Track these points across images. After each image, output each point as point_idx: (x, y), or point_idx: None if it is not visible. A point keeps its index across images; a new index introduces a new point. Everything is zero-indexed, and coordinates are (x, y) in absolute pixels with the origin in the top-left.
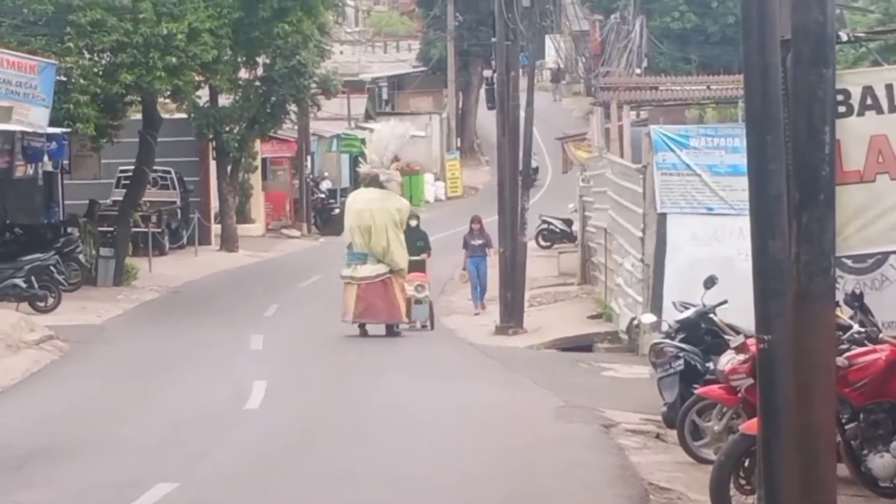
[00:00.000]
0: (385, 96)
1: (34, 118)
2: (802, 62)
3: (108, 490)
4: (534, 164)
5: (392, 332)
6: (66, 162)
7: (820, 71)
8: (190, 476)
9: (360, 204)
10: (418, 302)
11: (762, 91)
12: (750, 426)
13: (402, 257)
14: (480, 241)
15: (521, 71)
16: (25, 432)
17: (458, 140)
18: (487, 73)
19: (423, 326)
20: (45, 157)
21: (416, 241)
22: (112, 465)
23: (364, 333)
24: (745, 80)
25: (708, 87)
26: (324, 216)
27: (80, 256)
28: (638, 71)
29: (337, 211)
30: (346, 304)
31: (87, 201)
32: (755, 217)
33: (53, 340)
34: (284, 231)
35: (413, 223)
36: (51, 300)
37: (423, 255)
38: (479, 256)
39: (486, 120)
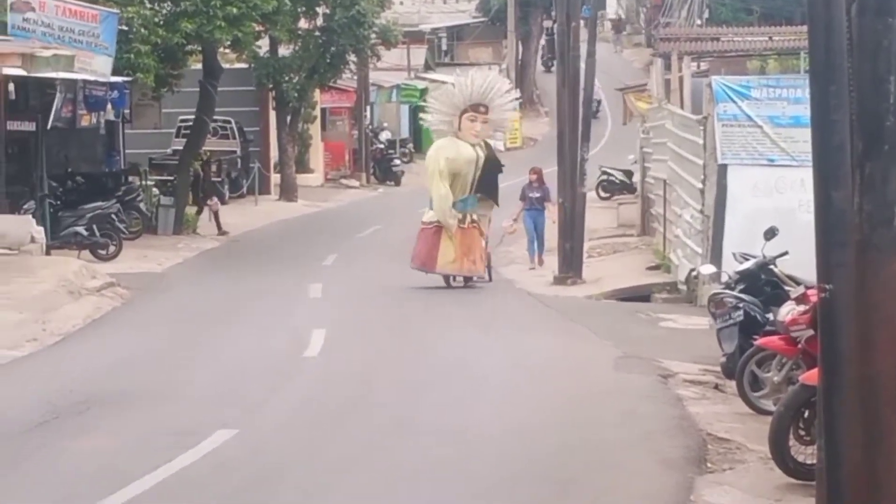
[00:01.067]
0: (444, 47)
1: (98, 66)
2: (867, 11)
3: (168, 436)
4: (597, 96)
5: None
6: (127, 111)
7: (885, 20)
8: (249, 424)
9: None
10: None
11: (826, 41)
12: (810, 377)
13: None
14: (539, 195)
15: (581, 22)
16: (86, 379)
17: (518, 91)
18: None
19: (479, 278)
20: (108, 106)
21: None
22: (171, 412)
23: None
24: (808, 30)
25: (770, 38)
26: (382, 166)
27: (141, 205)
28: (699, 22)
29: (397, 162)
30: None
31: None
32: (818, 167)
33: (114, 288)
34: (343, 181)
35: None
36: (112, 248)
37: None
38: (537, 210)
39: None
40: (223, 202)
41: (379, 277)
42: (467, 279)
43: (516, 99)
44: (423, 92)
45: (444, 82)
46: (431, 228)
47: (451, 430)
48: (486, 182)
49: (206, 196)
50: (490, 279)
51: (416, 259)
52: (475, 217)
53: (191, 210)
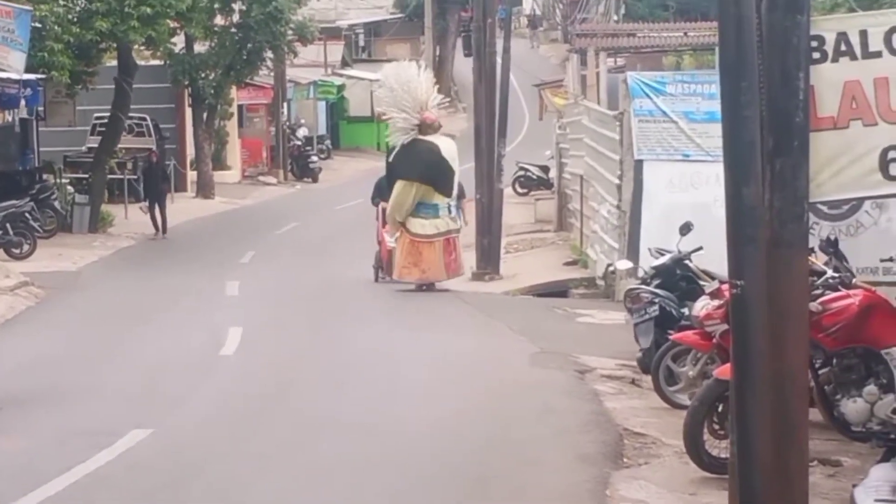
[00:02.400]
0: (362, 43)
1: (12, 62)
2: (777, 9)
3: (83, 437)
4: None
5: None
6: (41, 109)
7: (794, 17)
8: (164, 423)
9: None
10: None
11: (736, 38)
12: (723, 371)
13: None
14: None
15: (497, 19)
16: (0, 378)
17: (436, 87)
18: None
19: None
20: (22, 104)
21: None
22: (86, 412)
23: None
24: (719, 26)
25: (685, 33)
26: (300, 163)
27: (56, 203)
28: (615, 18)
29: (314, 158)
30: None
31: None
32: (729, 163)
33: (29, 287)
34: (261, 178)
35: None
36: (26, 247)
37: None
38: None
39: (463, 67)
40: (138, 200)
41: (296, 275)
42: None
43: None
44: (341, 88)
45: (361, 78)
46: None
47: (368, 428)
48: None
49: (163, 191)
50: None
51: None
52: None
53: (107, 208)
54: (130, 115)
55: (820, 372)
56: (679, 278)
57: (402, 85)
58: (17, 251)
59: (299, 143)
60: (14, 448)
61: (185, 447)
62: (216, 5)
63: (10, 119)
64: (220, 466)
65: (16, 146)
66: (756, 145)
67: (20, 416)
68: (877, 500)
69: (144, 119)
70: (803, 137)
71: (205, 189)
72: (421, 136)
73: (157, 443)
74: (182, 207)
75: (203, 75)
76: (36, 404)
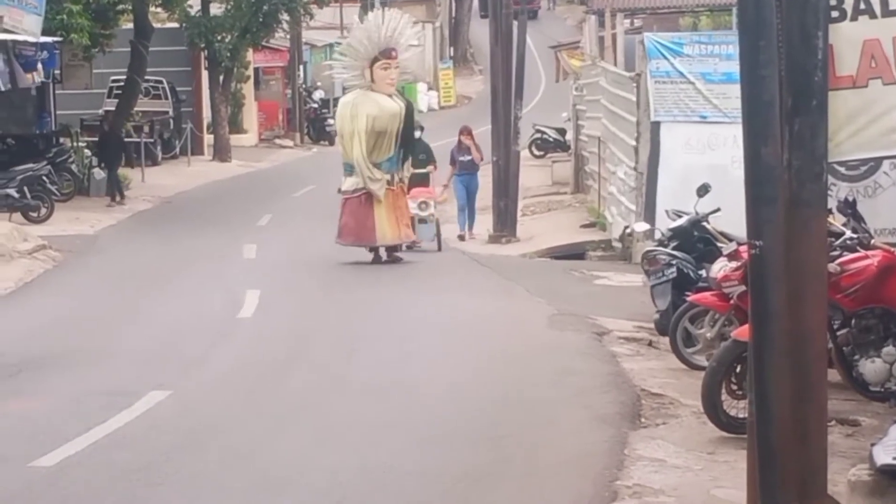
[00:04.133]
0: (377, 5)
1: (27, 25)
2: None
3: (101, 398)
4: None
5: (390, 257)
6: (57, 72)
7: None
8: (182, 384)
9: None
10: (422, 221)
11: None
12: (741, 332)
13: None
14: (469, 157)
15: None
16: (19, 341)
17: (452, 49)
18: None
19: (418, 246)
20: (39, 67)
21: (419, 153)
22: (105, 373)
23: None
24: None
25: None
26: (316, 126)
27: (73, 166)
28: None
29: (331, 121)
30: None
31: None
32: (747, 123)
33: (46, 250)
34: (277, 141)
35: (416, 134)
36: (43, 210)
37: (430, 168)
38: (469, 174)
39: (479, 29)
40: (155, 163)
41: (313, 238)
42: (391, 251)
43: (417, 35)
44: None
45: None
46: (358, 197)
47: (385, 389)
48: (406, 136)
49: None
50: (439, 248)
51: (347, 234)
52: (401, 176)
53: (124, 171)
54: (147, 77)
55: (838, 332)
56: (696, 240)
57: (357, 38)
58: (35, 215)
59: (315, 105)
60: (33, 409)
61: (203, 408)
62: None
63: (34, 81)
64: (237, 427)
65: (33, 109)
66: (775, 105)
67: (39, 378)
68: (895, 458)
69: (161, 82)
70: (822, 97)
71: (221, 152)
72: (369, 92)
73: (175, 404)
74: (199, 170)
75: (219, 38)
76: (55, 366)
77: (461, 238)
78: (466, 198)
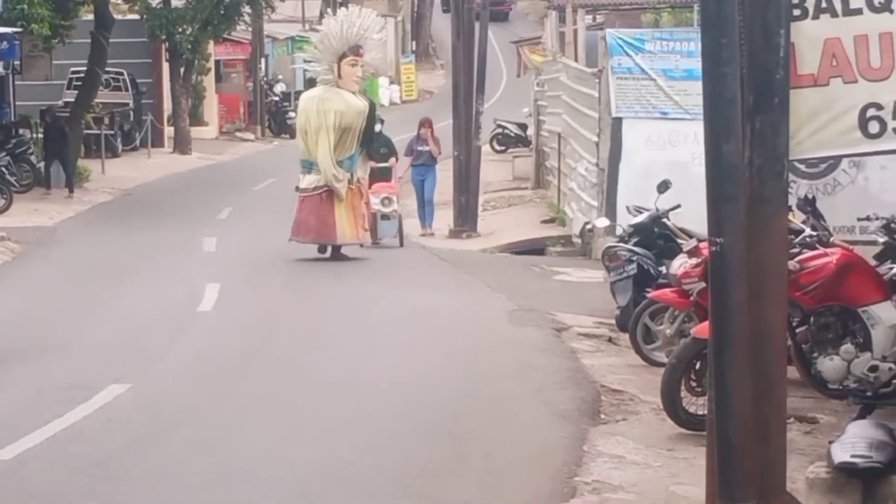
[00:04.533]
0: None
1: None
2: None
3: (59, 392)
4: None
5: (336, 254)
6: (17, 63)
7: None
8: (142, 378)
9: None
10: (385, 217)
11: None
12: (701, 329)
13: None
14: (427, 148)
15: None
16: None
17: (414, 43)
18: None
19: (377, 242)
20: None
21: (380, 147)
22: (64, 367)
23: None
24: None
25: None
26: (277, 119)
27: (32, 158)
28: None
29: (292, 114)
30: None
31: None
32: (709, 120)
33: (5, 242)
34: (238, 134)
35: (377, 127)
36: (2, 202)
37: (392, 161)
38: (426, 166)
39: (441, 23)
40: (116, 155)
41: (274, 231)
42: (335, 250)
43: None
44: None
45: None
46: (319, 195)
47: (345, 383)
48: (368, 134)
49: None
50: (401, 244)
51: (307, 231)
52: (359, 176)
53: (84, 163)
54: (107, 69)
55: (797, 330)
56: (657, 236)
57: (328, 32)
58: None
59: (277, 98)
60: None
61: (163, 402)
62: None
63: None
64: (197, 421)
65: None
66: (736, 102)
67: None
68: (853, 456)
69: (121, 74)
70: (783, 95)
71: (182, 145)
72: (336, 88)
73: (134, 397)
74: (159, 163)
75: (180, 30)
76: (12, 359)
77: (424, 235)
78: (423, 192)
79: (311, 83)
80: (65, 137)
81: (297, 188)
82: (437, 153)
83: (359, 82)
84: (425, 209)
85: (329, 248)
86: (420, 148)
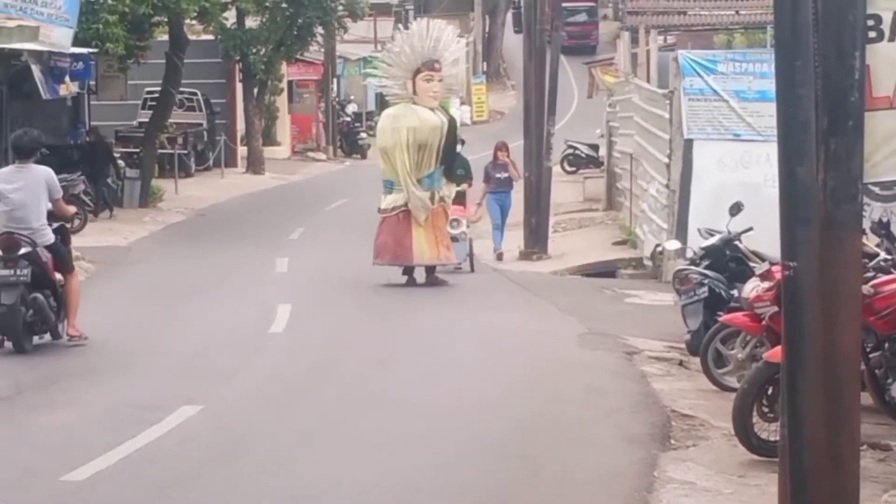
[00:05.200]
0: (412, 19)
1: (57, 39)
2: None
3: (132, 411)
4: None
5: (430, 278)
6: (92, 83)
7: None
8: (213, 399)
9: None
10: (454, 239)
11: (792, 15)
12: (774, 354)
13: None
14: (505, 174)
15: None
16: (52, 353)
17: (485, 64)
18: None
19: (458, 268)
20: (67, 78)
21: (458, 167)
22: (136, 386)
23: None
24: (774, 4)
25: (737, 11)
26: (349, 139)
27: (108, 180)
28: None
29: (363, 135)
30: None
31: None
32: (783, 142)
33: (80, 261)
34: (310, 154)
35: (458, 147)
36: (77, 221)
37: (464, 186)
38: (504, 192)
39: (512, 43)
40: (189, 175)
41: (345, 252)
42: (430, 273)
43: (465, 48)
44: None
45: None
46: (395, 215)
47: (415, 405)
48: (448, 152)
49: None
50: (472, 269)
51: (384, 253)
52: (442, 195)
53: (157, 183)
54: (181, 89)
55: (871, 355)
56: (728, 259)
57: (400, 47)
58: (69, 226)
59: (348, 119)
60: (65, 422)
61: (234, 423)
62: None
63: (69, 91)
64: (268, 442)
65: (67, 120)
66: (810, 124)
67: (70, 391)
68: None
69: (195, 94)
70: (858, 117)
71: (255, 164)
72: (411, 105)
73: (206, 418)
74: (232, 183)
75: (254, 50)
76: (86, 379)
77: (499, 257)
78: (501, 216)
79: (384, 103)
80: (111, 156)
81: (379, 209)
82: (517, 178)
83: (436, 97)
84: (496, 233)
85: (416, 275)
86: (498, 175)
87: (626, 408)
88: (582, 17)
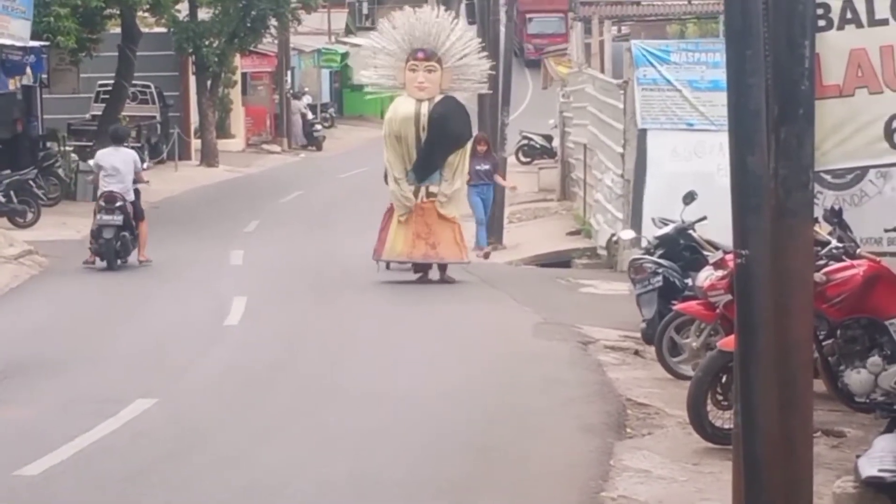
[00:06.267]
0: (365, 11)
1: (15, 30)
2: None
3: (87, 405)
4: None
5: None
6: (44, 76)
7: None
8: (169, 392)
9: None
10: None
11: (742, 5)
12: (727, 342)
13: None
14: (486, 166)
15: None
16: (4, 347)
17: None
18: None
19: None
20: (28, 71)
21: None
22: (91, 381)
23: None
24: None
25: (689, 1)
26: (304, 131)
27: (60, 171)
28: None
29: (318, 126)
30: None
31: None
32: (734, 132)
33: (33, 255)
34: (265, 146)
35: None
36: (30, 215)
37: None
38: (486, 184)
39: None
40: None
41: (301, 244)
42: (442, 271)
43: (477, 41)
44: (344, 56)
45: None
46: (389, 209)
47: (372, 397)
48: (432, 146)
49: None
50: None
51: (378, 248)
52: (434, 190)
53: None
54: (134, 82)
55: (824, 343)
56: (682, 248)
57: (387, 33)
58: (21, 220)
59: (303, 111)
60: (19, 417)
61: (190, 416)
62: None
63: (18, 84)
64: (224, 435)
65: (19, 114)
66: (761, 113)
67: (24, 385)
68: (881, 470)
69: (148, 87)
70: (809, 105)
71: (209, 157)
72: (402, 96)
73: (161, 412)
74: (186, 176)
75: (207, 43)
76: (40, 373)
77: (485, 256)
78: (484, 210)
79: (340, 96)
80: (36, 148)
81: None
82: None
83: (422, 89)
84: (480, 228)
85: (428, 272)
86: (478, 167)
87: (583, 397)
88: (550, 29)
